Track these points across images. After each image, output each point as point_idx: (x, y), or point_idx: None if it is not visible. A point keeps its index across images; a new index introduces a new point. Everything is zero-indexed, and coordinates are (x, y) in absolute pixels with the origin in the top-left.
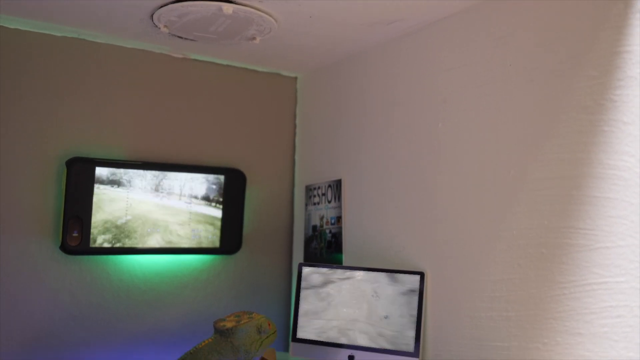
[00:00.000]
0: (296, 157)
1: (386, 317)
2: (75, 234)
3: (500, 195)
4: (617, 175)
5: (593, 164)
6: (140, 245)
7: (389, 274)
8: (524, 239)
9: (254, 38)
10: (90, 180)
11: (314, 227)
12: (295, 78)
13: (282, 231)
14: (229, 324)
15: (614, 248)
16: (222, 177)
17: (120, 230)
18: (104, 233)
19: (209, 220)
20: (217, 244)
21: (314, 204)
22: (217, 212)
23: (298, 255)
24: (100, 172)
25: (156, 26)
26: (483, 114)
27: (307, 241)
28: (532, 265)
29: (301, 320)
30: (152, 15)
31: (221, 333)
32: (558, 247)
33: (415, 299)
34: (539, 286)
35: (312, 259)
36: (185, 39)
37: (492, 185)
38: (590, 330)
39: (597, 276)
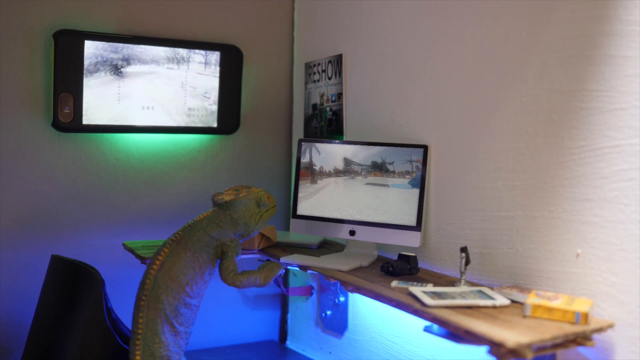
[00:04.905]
0: (295, 33)
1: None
2: (66, 111)
3: (509, 59)
4: (637, 32)
5: (611, 20)
6: (135, 124)
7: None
8: (533, 105)
9: None
10: (79, 54)
11: (314, 106)
12: None
13: (281, 110)
14: (227, 197)
15: (629, 109)
16: (217, 53)
17: (114, 107)
18: (96, 110)
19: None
20: (214, 124)
21: (314, 81)
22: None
23: (298, 134)
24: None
25: None
26: None
27: (307, 120)
28: (541, 132)
29: (301, 196)
30: None
31: (220, 206)
32: (569, 111)
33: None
34: (547, 153)
35: (313, 138)
36: None
37: (501, 50)
38: (599, 195)
39: (609, 139)
